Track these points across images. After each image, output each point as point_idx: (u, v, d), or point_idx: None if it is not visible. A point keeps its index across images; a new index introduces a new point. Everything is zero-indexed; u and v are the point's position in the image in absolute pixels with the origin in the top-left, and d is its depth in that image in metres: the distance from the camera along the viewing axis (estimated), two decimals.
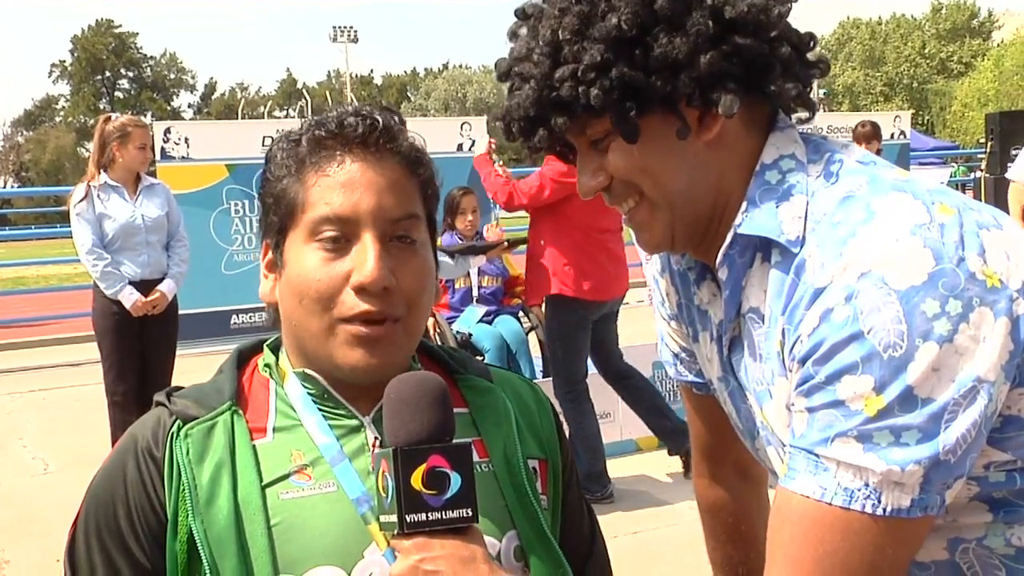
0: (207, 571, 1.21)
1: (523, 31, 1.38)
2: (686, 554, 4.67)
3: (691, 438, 1.83)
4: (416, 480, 1.16)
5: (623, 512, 5.40)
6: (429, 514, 1.16)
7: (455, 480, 1.17)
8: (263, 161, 1.38)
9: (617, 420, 6.44)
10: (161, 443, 1.29)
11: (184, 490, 1.25)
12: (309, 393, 1.34)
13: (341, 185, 1.28)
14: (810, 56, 1.38)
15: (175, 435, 1.29)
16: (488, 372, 1.48)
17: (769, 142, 1.36)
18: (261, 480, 1.27)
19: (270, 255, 1.36)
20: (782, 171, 1.34)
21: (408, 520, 1.16)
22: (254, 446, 1.29)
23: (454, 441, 1.21)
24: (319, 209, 1.27)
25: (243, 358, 1.42)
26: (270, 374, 1.38)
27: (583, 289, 5.43)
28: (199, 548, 1.22)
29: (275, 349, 1.41)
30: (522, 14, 1.39)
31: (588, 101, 1.29)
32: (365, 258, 1.26)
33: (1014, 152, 9.90)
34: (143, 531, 1.26)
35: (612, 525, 5.09)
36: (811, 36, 1.37)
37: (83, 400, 8.10)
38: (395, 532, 1.18)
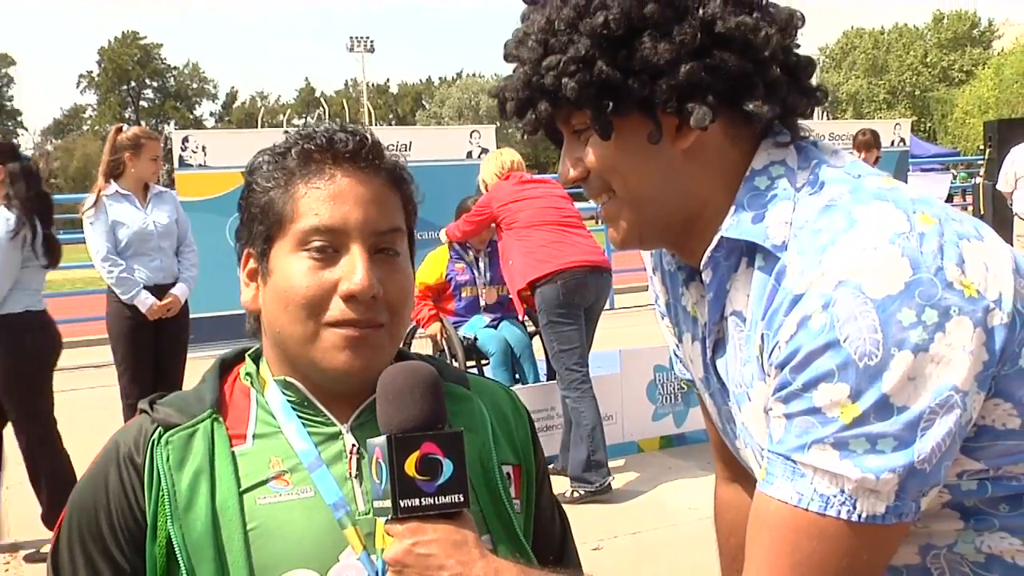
0: (184, 575, 1.22)
1: (533, 15, 1.36)
2: (684, 555, 4.66)
3: (710, 440, 1.78)
4: (410, 466, 1.17)
5: (623, 512, 5.38)
6: (422, 499, 1.18)
7: (447, 467, 1.19)
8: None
9: (619, 422, 6.43)
10: (142, 450, 1.29)
11: (163, 496, 1.25)
12: (289, 400, 1.34)
13: (331, 197, 1.28)
14: (811, 82, 1.36)
15: (155, 442, 1.29)
16: (465, 379, 1.48)
17: (761, 148, 1.34)
18: (239, 486, 1.27)
19: (251, 264, 1.35)
20: (771, 177, 1.32)
21: (402, 505, 1.17)
22: (233, 453, 1.30)
23: (446, 429, 1.22)
24: (308, 220, 1.28)
25: (226, 367, 1.43)
26: (251, 382, 1.38)
27: (536, 268, 5.59)
28: (177, 553, 1.22)
29: (256, 358, 1.42)
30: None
31: (566, 92, 1.28)
32: (355, 268, 1.27)
33: None
34: (124, 536, 1.27)
35: (612, 525, 5.08)
36: (810, 62, 1.35)
37: (103, 401, 8.06)
38: (389, 517, 1.19)
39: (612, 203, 1.38)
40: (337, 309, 1.27)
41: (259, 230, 1.32)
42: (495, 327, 6.82)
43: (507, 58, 1.39)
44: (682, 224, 1.37)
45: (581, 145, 1.36)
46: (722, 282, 1.36)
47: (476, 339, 6.69)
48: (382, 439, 1.20)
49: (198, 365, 5.94)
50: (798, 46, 1.35)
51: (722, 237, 1.32)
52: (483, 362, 6.79)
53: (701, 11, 1.27)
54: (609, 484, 5.59)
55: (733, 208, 1.32)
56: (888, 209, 1.22)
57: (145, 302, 5.63)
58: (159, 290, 5.74)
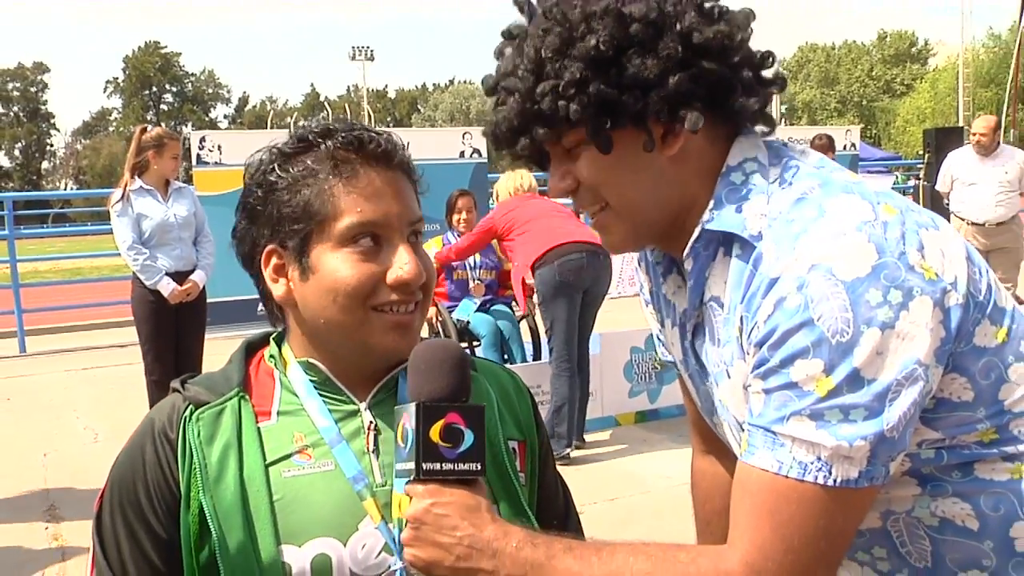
0: (216, 541, 1.20)
1: (508, 50, 1.34)
2: (657, 518, 4.67)
3: (688, 415, 1.75)
4: (434, 433, 1.17)
5: (602, 480, 5.36)
6: (443, 464, 1.17)
7: (468, 437, 1.18)
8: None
9: (600, 399, 6.41)
10: (175, 426, 1.27)
11: (195, 468, 1.23)
12: (311, 380, 1.31)
13: (370, 195, 1.26)
14: (768, 74, 1.34)
15: (187, 419, 1.27)
16: (472, 362, 1.45)
17: (735, 146, 1.33)
18: (265, 459, 1.25)
19: (277, 260, 1.30)
20: (746, 172, 1.31)
21: (424, 468, 1.17)
22: (259, 428, 1.28)
23: (470, 403, 1.21)
24: (352, 217, 1.25)
25: (251, 349, 1.39)
26: (274, 364, 1.35)
27: (536, 251, 5.57)
28: (208, 521, 1.20)
29: (279, 341, 1.38)
30: (508, 34, 1.36)
31: (567, 114, 1.26)
32: (403, 258, 1.26)
33: None
34: (160, 505, 1.25)
35: (592, 491, 5.07)
36: (770, 54, 1.34)
37: (129, 377, 8.06)
38: (410, 479, 1.19)
39: (605, 214, 1.36)
40: (384, 295, 1.26)
41: (293, 229, 1.27)
42: (485, 311, 6.78)
43: (490, 92, 1.36)
44: (670, 223, 1.35)
45: (569, 161, 1.34)
46: (701, 270, 1.35)
47: (468, 322, 6.65)
48: (411, 405, 1.18)
49: (214, 345, 5.99)
50: None
51: (703, 228, 1.31)
52: (474, 343, 6.75)
53: (679, 26, 1.26)
54: (566, 455, 5.58)
55: (712, 202, 1.31)
56: (855, 200, 1.22)
57: (167, 287, 5.63)
58: (179, 276, 5.72)
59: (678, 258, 1.38)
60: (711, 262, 1.34)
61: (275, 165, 1.29)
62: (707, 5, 1.29)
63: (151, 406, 5.59)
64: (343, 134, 1.28)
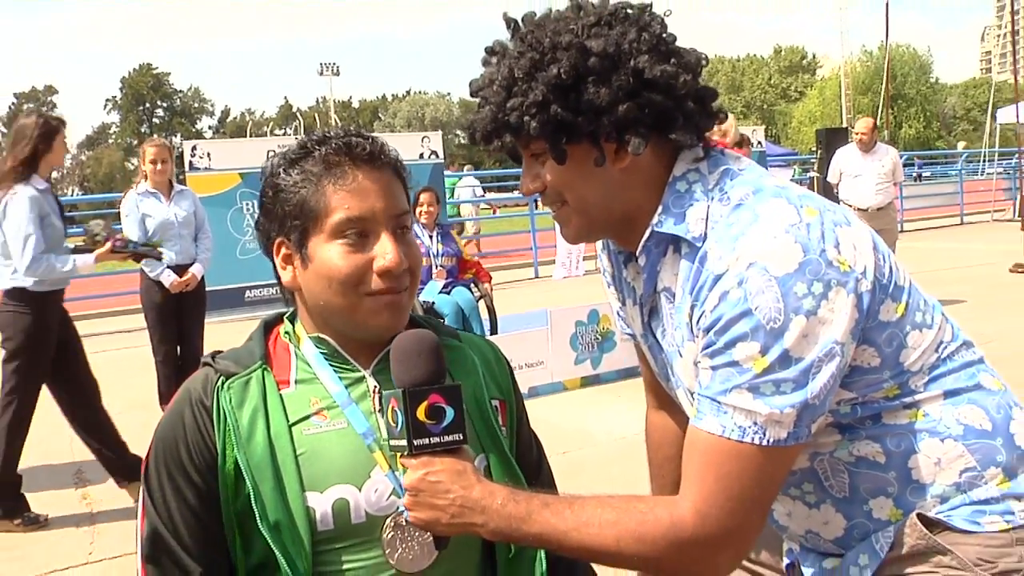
0: (251, 491, 1.22)
1: (493, 60, 1.37)
2: (602, 468, 4.72)
3: (642, 377, 1.80)
4: (420, 413, 1.19)
5: (553, 437, 5.33)
6: (431, 439, 1.21)
7: (449, 412, 1.21)
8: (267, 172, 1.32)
9: (548, 366, 6.42)
10: (210, 394, 1.29)
11: (229, 429, 1.25)
12: (321, 352, 1.33)
13: (356, 193, 1.26)
14: (713, 106, 1.38)
15: (220, 388, 1.28)
16: (456, 334, 1.47)
17: (679, 158, 1.36)
18: (288, 420, 1.27)
19: (285, 251, 1.32)
20: (689, 182, 1.34)
21: (415, 444, 1.20)
22: (281, 395, 1.29)
23: (448, 383, 1.24)
24: (341, 213, 1.25)
25: (268, 327, 1.41)
26: (289, 339, 1.37)
27: None
28: (244, 473, 1.23)
29: (291, 320, 1.40)
30: (491, 50, 1.38)
31: (529, 129, 1.29)
32: (387, 249, 1.26)
33: None
34: (199, 462, 1.26)
35: (546, 447, 5.05)
36: (713, 91, 1.37)
37: (137, 358, 7.89)
38: (404, 453, 1.22)
39: (564, 210, 1.40)
40: (374, 282, 1.26)
41: (294, 224, 1.28)
42: (448, 292, 6.76)
43: (474, 95, 1.38)
44: (620, 222, 1.39)
45: (539, 165, 1.37)
46: (654, 264, 1.39)
47: (433, 303, 6.63)
48: (397, 391, 1.21)
49: (208, 328, 5.81)
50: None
51: (652, 231, 1.35)
52: (440, 321, 6.73)
53: (632, 63, 1.28)
54: None
55: (660, 208, 1.34)
56: (783, 204, 1.26)
57: (167, 278, 5.55)
58: (180, 269, 5.63)
59: (633, 252, 1.42)
60: (662, 258, 1.37)
61: (281, 169, 1.30)
62: (662, 46, 1.31)
63: (158, 383, 5.59)
64: (335, 141, 1.29)
